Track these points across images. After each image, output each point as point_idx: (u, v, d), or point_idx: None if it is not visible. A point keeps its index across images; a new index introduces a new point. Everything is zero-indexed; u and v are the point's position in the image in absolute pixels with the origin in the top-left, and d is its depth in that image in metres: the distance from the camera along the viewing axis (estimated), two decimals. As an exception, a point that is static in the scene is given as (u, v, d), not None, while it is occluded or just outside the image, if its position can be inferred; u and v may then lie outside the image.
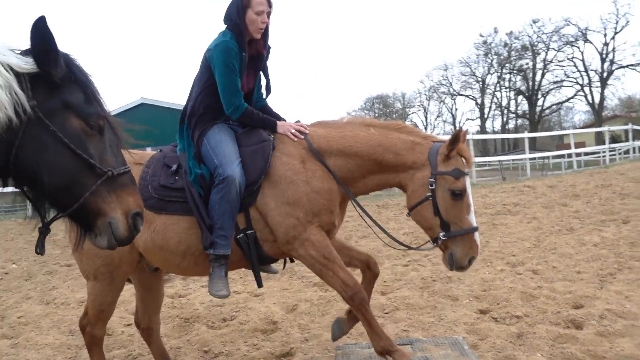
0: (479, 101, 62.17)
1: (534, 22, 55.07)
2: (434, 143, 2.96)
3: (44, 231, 1.94)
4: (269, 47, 3.32)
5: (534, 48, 55.97)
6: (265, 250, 3.02)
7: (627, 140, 25.61)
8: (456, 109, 66.77)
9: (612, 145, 25.94)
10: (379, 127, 3.09)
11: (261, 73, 3.35)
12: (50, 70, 1.82)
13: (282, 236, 2.92)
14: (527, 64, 57.55)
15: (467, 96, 63.15)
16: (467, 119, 66.03)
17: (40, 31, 1.77)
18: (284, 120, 3.32)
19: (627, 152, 25.82)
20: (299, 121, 3.30)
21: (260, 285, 3.15)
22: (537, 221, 8.41)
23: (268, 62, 3.36)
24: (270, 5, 3.14)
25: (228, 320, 4.86)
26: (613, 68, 52.19)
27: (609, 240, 6.67)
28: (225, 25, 3.14)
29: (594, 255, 6.05)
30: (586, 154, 28.71)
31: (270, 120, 3.19)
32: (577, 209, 9.13)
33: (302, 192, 2.91)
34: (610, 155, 26.00)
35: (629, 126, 25.50)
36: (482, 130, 59.67)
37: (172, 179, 3.07)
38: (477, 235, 2.88)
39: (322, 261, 2.90)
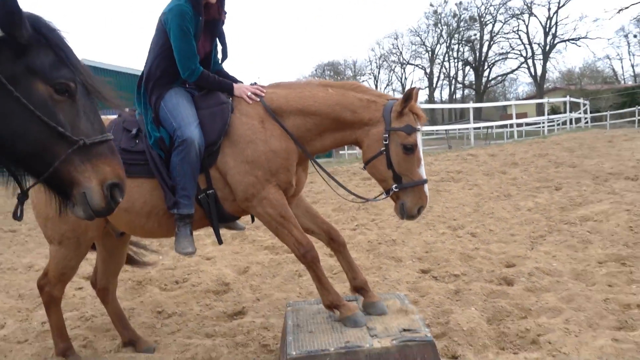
0: (428, 71, 63.16)
1: (483, -7, 56.04)
2: (388, 101, 3.10)
3: (22, 198, 1.91)
4: (225, 13, 3.33)
5: (482, 19, 57.11)
6: (225, 209, 3.12)
7: (565, 112, 26.82)
8: (405, 78, 67.51)
9: (551, 117, 27.14)
10: (336, 87, 3.20)
11: (217, 38, 3.38)
12: (13, 33, 1.75)
13: (241, 194, 3.01)
14: (475, 35, 58.77)
15: (416, 65, 63.98)
16: (418, 89, 66.91)
17: None
18: (241, 82, 3.37)
19: (565, 123, 27.08)
20: (255, 83, 3.35)
21: (220, 242, 3.27)
22: (478, 188, 8.84)
23: (224, 28, 3.38)
24: None
25: (180, 282, 4.96)
26: (555, 42, 54.11)
27: (542, 206, 7.15)
28: None
29: (528, 219, 6.49)
30: (527, 124, 29.91)
31: (226, 82, 3.23)
32: (515, 176, 9.64)
33: (261, 152, 3.00)
34: (550, 126, 27.22)
35: (567, 98, 26.67)
36: (431, 99, 60.84)
37: (133, 142, 3.09)
38: (426, 187, 3.06)
39: (278, 219, 3.02)
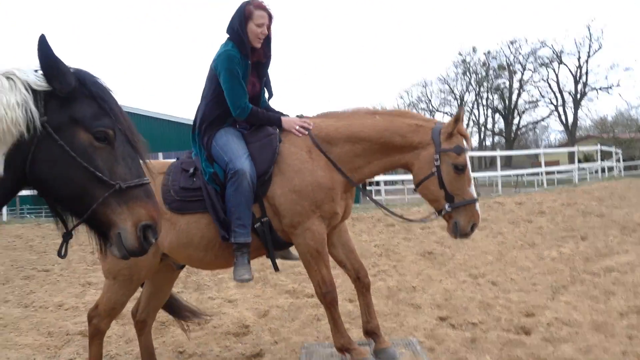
0: (457, 118, 63.23)
1: (512, 42, 56.68)
2: (435, 124, 3.26)
3: (67, 236, 2.03)
4: (270, 56, 3.57)
5: (511, 68, 57.48)
6: (280, 236, 3.28)
7: (598, 160, 26.44)
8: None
9: (581, 165, 26.77)
10: (383, 114, 3.40)
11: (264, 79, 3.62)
12: (56, 86, 1.92)
13: (288, 220, 3.18)
14: (504, 83, 59.02)
15: (445, 113, 64.26)
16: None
17: (43, 50, 1.88)
18: (287, 116, 3.55)
19: (598, 171, 26.65)
20: (302, 116, 3.55)
21: (276, 269, 3.40)
22: (502, 236, 8.81)
23: (269, 69, 3.63)
24: (270, 18, 3.40)
25: (202, 324, 5.08)
26: (586, 90, 53.86)
27: (566, 255, 7.09)
28: (228, 36, 3.41)
29: (550, 268, 6.45)
30: (558, 172, 29.54)
31: (274, 116, 3.45)
32: (541, 225, 9.57)
33: (308, 182, 3.17)
34: (582, 174, 26.80)
35: (597, 147, 26.35)
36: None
37: (191, 180, 3.33)
38: (477, 205, 3.18)
39: (313, 253, 3.17)
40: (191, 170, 3.37)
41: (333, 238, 3.47)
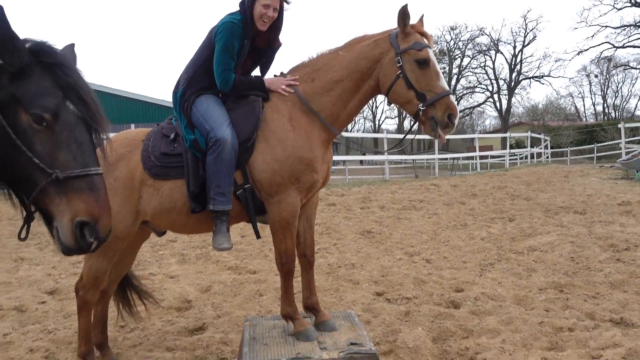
0: (398, 101, 64.39)
1: (452, 28, 58.19)
2: (392, 31, 3.24)
3: (29, 219, 1.90)
4: (279, 44, 3.51)
5: (451, 54, 59.04)
6: (262, 202, 3.26)
7: (530, 146, 27.91)
8: (376, 107, 68.83)
9: (512, 151, 28.17)
10: (344, 48, 3.37)
11: (261, 64, 3.55)
12: (6, 60, 1.78)
13: (266, 188, 3.17)
14: (443, 68, 60.54)
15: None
16: (386, 117, 68.42)
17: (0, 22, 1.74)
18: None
19: (527, 157, 28.12)
20: (282, 73, 3.46)
21: (258, 236, 3.42)
22: (437, 216, 9.23)
23: (274, 58, 3.58)
24: (281, 1, 3.28)
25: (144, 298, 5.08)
26: (520, 78, 56.31)
27: (494, 235, 7.55)
28: (239, 8, 3.32)
29: (480, 247, 6.86)
30: (492, 157, 30.92)
31: (258, 80, 3.37)
32: (473, 207, 10.09)
33: (289, 154, 3.15)
34: (513, 159, 28.19)
35: (528, 133, 27.78)
36: (400, 129, 62.03)
37: (172, 146, 3.27)
38: (452, 97, 3.06)
39: (283, 224, 3.20)
40: (172, 135, 3.32)
41: (305, 207, 3.46)
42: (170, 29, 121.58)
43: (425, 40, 3.15)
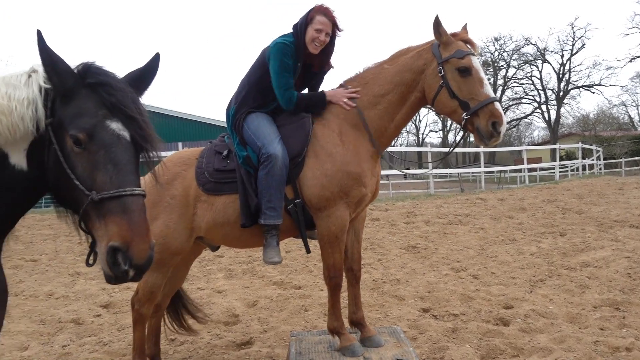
0: (442, 114, 63.63)
1: (496, 39, 57.25)
2: (434, 41, 3.26)
3: (94, 244, 1.82)
4: (330, 67, 3.61)
5: (495, 65, 58.05)
6: (312, 217, 3.32)
7: (579, 157, 27.00)
8: (420, 121, 68.27)
9: (563, 163, 27.28)
10: (389, 60, 3.42)
11: (310, 86, 3.66)
12: (55, 83, 1.79)
13: (315, 203, 3.23)
14: (488, 79, 59.49)
15: (430, 108, 64.61)
16: (430, 131, 67.81)
17: (39, 46, 1.75)
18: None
19: (578, 169, 27.19)
20: (342, 85, 3.51)
21: (308, 251, 3.48)
22: (484, 231, 9.05)
23: (323, 79, 3.69)
24: (333, 27, 3.37)
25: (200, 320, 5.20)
26: (569, 88, 54.68)
27: (545, 250, 7.34)
28: (291, 30, 3.43)
29: (529, 263, 6.68)
30: (541, 169, 30.04)
31: (319, 95, 3.45)
32: (522, 221, 9.84)
33: (338, 169, 3.21)
34: (563, 171, 27.30)
35: (579, 144, 26.87)
36: (444, 142, 61.29)
37: (225, 162, 3.39)
38: (497, 104, 3.00)
39: (332, 238, 3.25)
40: (225, 152, 3.43)
41: (354, 221, 3.48)
42: (215, 51, 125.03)
43: (468, 47, 3.15)
